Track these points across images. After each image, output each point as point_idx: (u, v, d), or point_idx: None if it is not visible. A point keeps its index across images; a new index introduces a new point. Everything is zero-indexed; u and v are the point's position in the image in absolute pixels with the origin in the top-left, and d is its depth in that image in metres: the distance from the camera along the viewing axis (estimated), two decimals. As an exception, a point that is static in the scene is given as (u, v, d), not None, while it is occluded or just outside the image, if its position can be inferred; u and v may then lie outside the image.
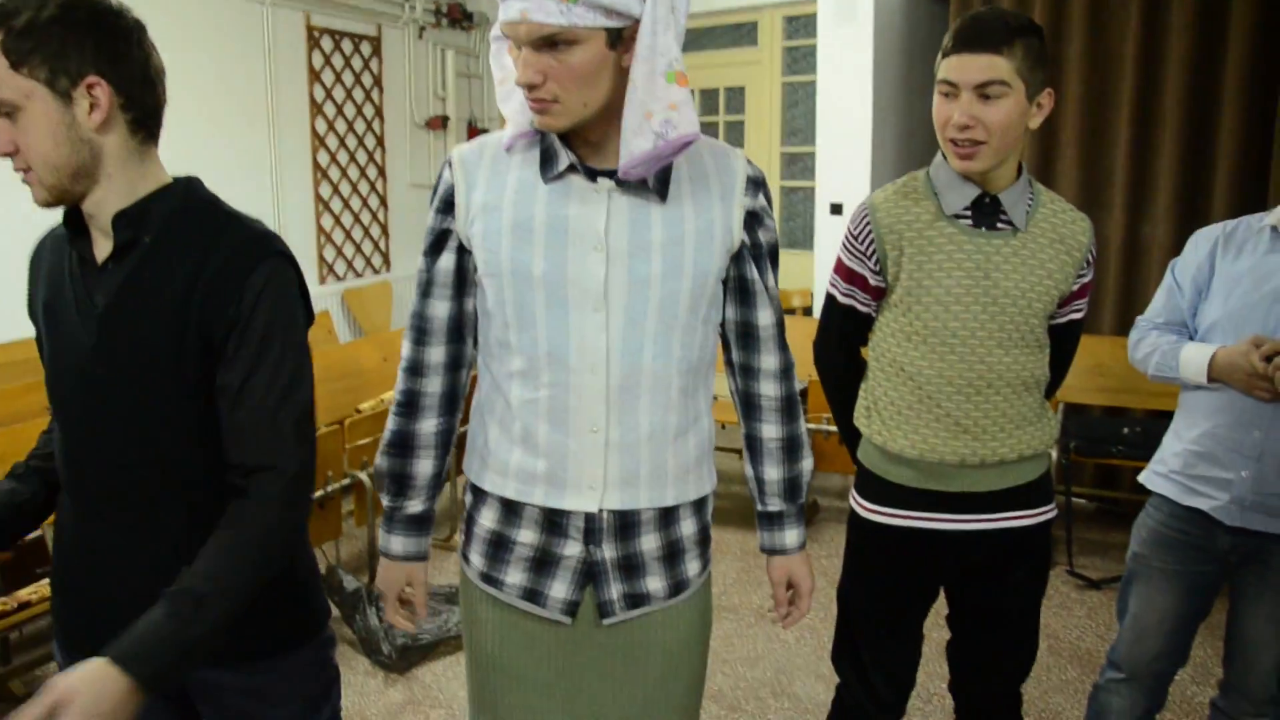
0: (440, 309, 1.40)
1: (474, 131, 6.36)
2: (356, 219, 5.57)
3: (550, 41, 1.21)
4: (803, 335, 4.08)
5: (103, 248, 1.28)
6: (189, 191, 1.30)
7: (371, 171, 5.67)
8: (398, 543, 1.44)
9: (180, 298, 1.24)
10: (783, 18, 5.41)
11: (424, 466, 1.43)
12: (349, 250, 5.51)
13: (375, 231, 5.71)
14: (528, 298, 1.32)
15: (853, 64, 4.57)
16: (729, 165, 1.39)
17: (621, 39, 1.24)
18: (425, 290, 1.40)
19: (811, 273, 4.98)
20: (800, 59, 5.45)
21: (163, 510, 1.26)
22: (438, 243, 1.39)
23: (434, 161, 6.14)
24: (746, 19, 5.52)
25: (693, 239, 1.34)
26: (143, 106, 1.25)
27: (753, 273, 1.42)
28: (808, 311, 5.00)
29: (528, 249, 1.31)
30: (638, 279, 1.31)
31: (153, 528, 1.26)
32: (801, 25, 5.39)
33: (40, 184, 1.22)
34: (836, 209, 4.63)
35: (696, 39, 5.68)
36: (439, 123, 5.98)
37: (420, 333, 1.42)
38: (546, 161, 1.32)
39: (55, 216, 1.33)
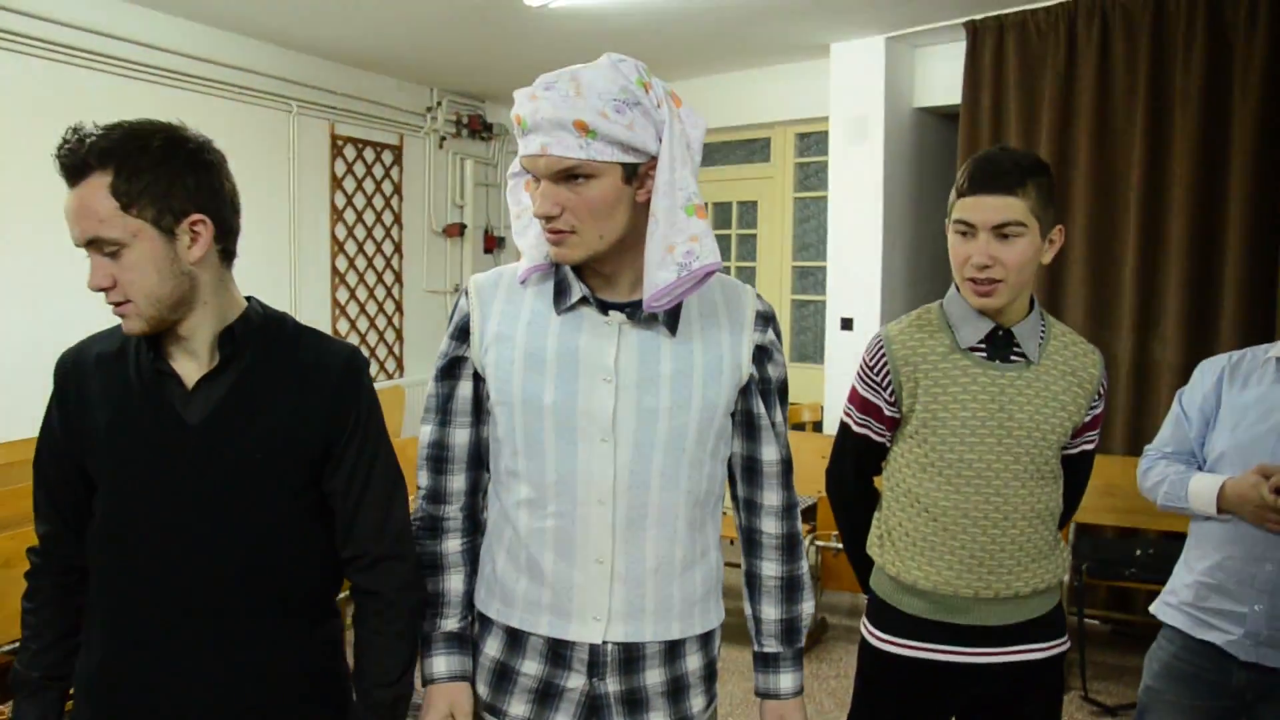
0: (461, 436, 1.42)
1: (491, 240, 6.40)
2: (372, 323, 5.62)
3: (569, 175, 1.24)
4: (812, 451, 4.12)
5: (188, 367, 1.33)
6: (263, 309, 1.39)
7: (388, 277, 5.72)
8: (440, 663, 1.41)
9: (291, 409, 1.32)
10: (795, 135, 5.44)
11: (454, 583, 1.43)
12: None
13: (390, 336, 5.76)
14: (537, 427, 1.33)
15: (863, 180, 4.58)
16: (739, 299, 1.42)
17: (637, 175, 1.27)
18: (444, 418, 1.41)
19: (822, 387, 4.97)
20: (812, 175, 5.47)
21: (257, 616, 1.30)
22: (451, 368, 1.40)
23: (450, 268, 6.19)
24: (759, 135, 5.55)
25: (701, 372, 1.36)
26: (231, 235, 1.34)
27: (760, 408, 1.42)
28: (818, 427, 4.94)
29: (539, 379, 1.33)
30: (646, 411, 1.32)
31: (246, 635, 1.30)
32: (814, 142, 5.41)
33: (139, 315, 1.27)
34: (847, 323, 4.66)
35: (710, 154, 5.69)
36: (456, 230, 6.06)
37: (440, 462, 1.43)
38: (560, 293, 1.35)
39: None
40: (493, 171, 6.54)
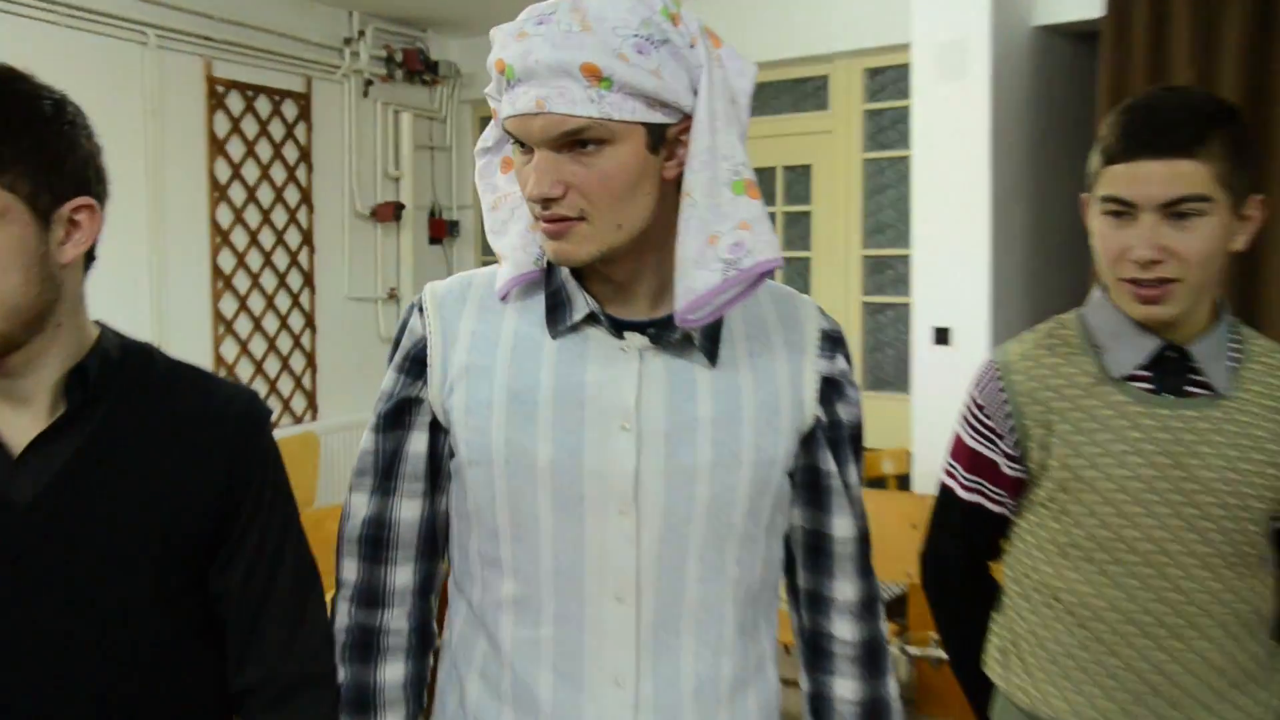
0: (410, 511, 1.45)
1: (439, 225, 6.56)
2: (272, 346, 5.65)
3: (575, 141, 1.28)
4: (897, 517, 4.02)
5: (16, 422, 1.30)
6: (120, 339, 1.38)
7: (294, 280, 5.77)
8: None
9: (164, 481, 1.33)
10: (864, 71, 5.48)
11: None
12: (259, 388, 5.62)
13: (297, 363, 5.81)
14: (528, 495, 1.37)
15: (962, 132, 4.60)
16: (796, 315, 1.47)
17: (665, 140, 1.31)
18: (386, 484, 1.45)
19: (907, 425, 4.92)
20: (888, 126, 5.49)
21: None
22: (397, 415, 1.44)
23: (382, 266, 6.26)
24: (813, 72, 5.61)
25: (753, 415, 1.40)
26: (95, 233, 1.33)
27: (829, 463, 1.47)
28: (904, 483, 4.93)
29: (529, 428, 1.36)
30: (680, 471, 1.36)
31: None
32: (889, 80, 5.43)
33: None
34: (942, 336, 4.73)
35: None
36: (390, 212, 6.13)
37: (378, 546, 1.45)
38: (556, 309, 1.40)
39: None
40: (440, 129, 6.57)
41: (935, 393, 4.65)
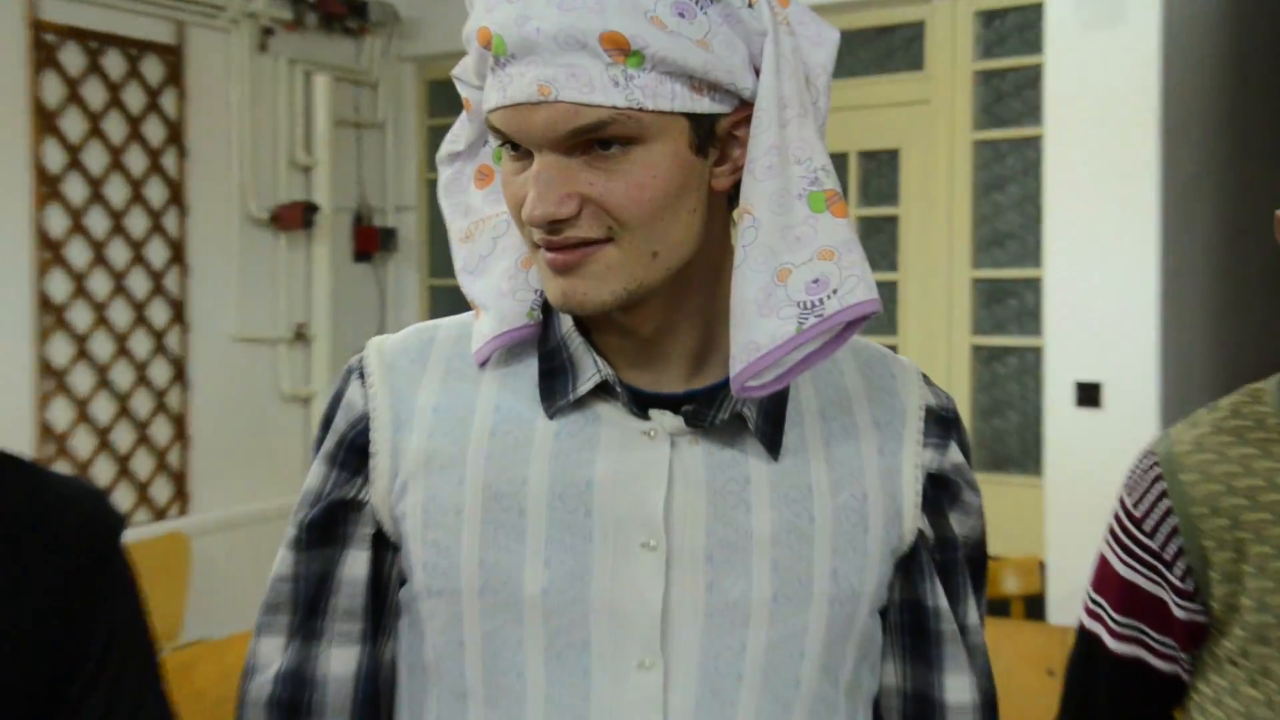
0: (340, 664, 1.50)
1: (367, 235, 6.65)
2: (124, 408, 5.67)
3: (592, 140, 1.34)
4: (1026, 659, 4.18)
5: None
6: None
7: (158, 313, 5.81)
8: None
9: None
10: (974, 15, 5.57)
11: None
12: (105, 471, 5.58)
13: (161, 432, 5.85)
14: (510, 640, 1.43)
15: (1120, 102, 4.67)
16: (890, 385, 1.56)
17: (715, 137, 1.39)
18: (304, 623, 1.51)
19: (1038, 524, 5.02)
20: (1009, 94, 5.54)
21: None
22: (327, 526, 1.51)
23: (288, 291, 6.31)
24: (904, 17, 5.71)
25: (829, 529, 1.47)
26: None
27: (937, 597, 1.53)
28: (1035, 607, 4.92)
29: (513, 545, 1.44)
30: (726, 608, 1.43)
31: None
32: (1012, 29, 5.51)
33: None
34: (1089, 395, 4.80)
35: None
36: (297, 216, 6.16)
37: (294, 712, 1.50)
38: (554, 376, 1.48)
39: None
40: (369, 98, 6.68)
41: (1078, 477, 4.70)
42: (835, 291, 1.35)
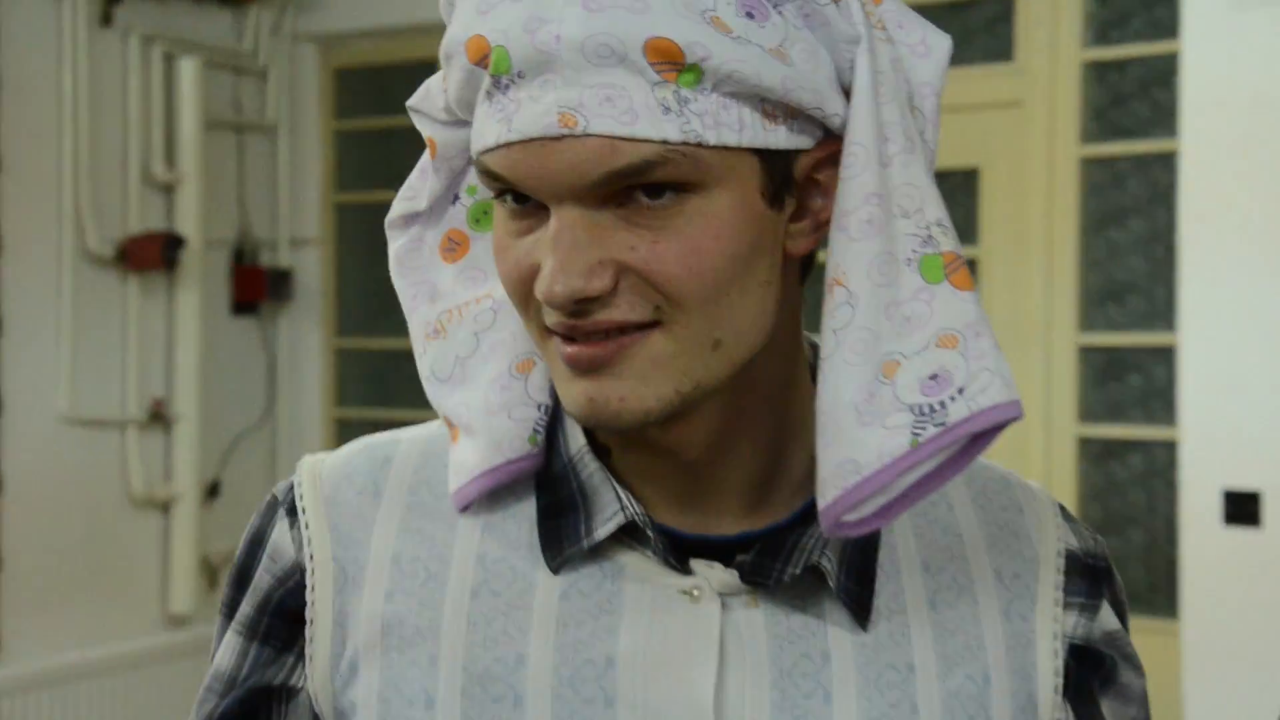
0: None
1: (252, 278, 6.74)
2: None
3: (634, 188, 1.34)
4: None
5: None
6: None
7: None
8: None
9: None
10: None
11: None
12: None
13: None
14: None
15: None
16: (1014, 520, 1.59)
17: (792, 183, 1.39)
18: None
19: (1173, 680, 5.04)
20: (1132, 95, 5.64)
21: None
22: (245, 715, 1.54)
23: (138, 360, 6.32)
24: None
25: None
26: None
27: None
28: None
29: None
30: None
31: None
32: (1138, 5, 5.61)
33: None
34: (1242, 508, 4.84)
35: None
36: (154, 251, 6.17)
37: None
38: (559, 515, 1.50)
39: None
40: (254, 90, 6.75)
41: (1228, 619, 4.82)
42: (962, 391, 1.34)
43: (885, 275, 1.35)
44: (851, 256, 1.35)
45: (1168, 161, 5.34)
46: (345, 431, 6.59)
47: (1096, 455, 5.63)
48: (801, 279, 1.44)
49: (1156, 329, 5.47)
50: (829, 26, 1.35)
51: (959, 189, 5.83)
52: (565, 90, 1.32)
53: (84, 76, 6.02)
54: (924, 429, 1.34)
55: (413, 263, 1.56)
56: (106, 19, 6.07)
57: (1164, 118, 5.42)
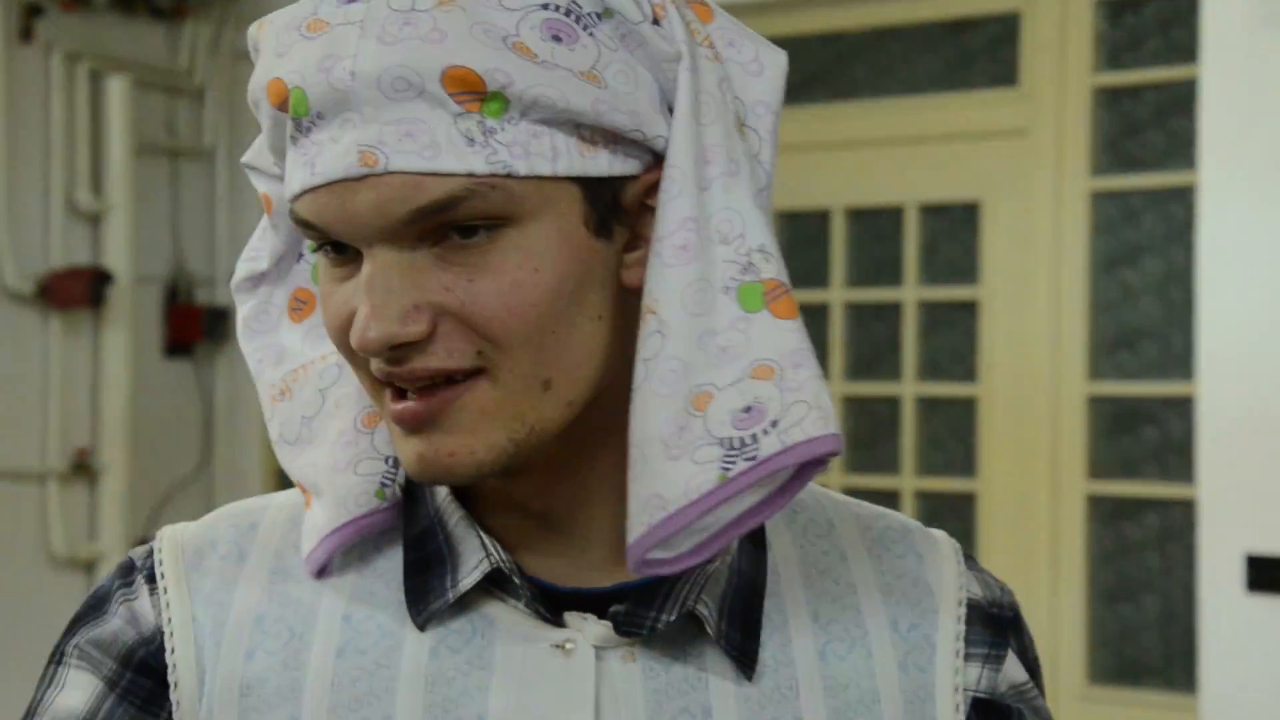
0: None
1: (185, 318, 6.70)
2: None
3: (444, 225, 1.37)
4: None
5: None
6: None
7: None
8: None
9: None
10: (1095, 3, 5.62)
11: None
12: None
13: None
14: None
15: None
16: (912, 568, 1.63)
17: (620, 212, 1.43)
18: None
19: None
20: (1145, 124, 5.58)
21: None
22: None
23: (60, 412, 6.31)
24: (988, 7, 5.82)
25: None
26: None
27: None
28: None
29: None
30: None
31: None
32: (1153, 24, 5.55)
33: None
34: (1265, 573, 4.84)
35: (839, 63, 6.14)
36: (80, 288, 6.12)
37: None
38: (424, 569, 1.53)
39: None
40: (190, 111, 6.72)
41: (1252, 696, 4.85)
42: (775, 424, 1.37)
43: (700, 304, 1.38)
44: (664, 284, 1.38)
45: (1185, 196, 5.35)
46: (287, 484, 6.21)
47: (1107, 515, 5.60)
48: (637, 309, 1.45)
49: (1173, 378, 5.44)
50: (646, 46, 1.38)
51: (958, 223, 5.86)
52: (364, 128, 1.33)
53: (1, 95, 5.98)
54: (734, 463, 1.36)
55: (260, 326, 1.57)
56: (26, 33, 6.04)
57: (1181, 148, 5.39)
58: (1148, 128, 5.54)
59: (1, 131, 5.96)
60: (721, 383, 1.38)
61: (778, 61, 1.46)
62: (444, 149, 1.33)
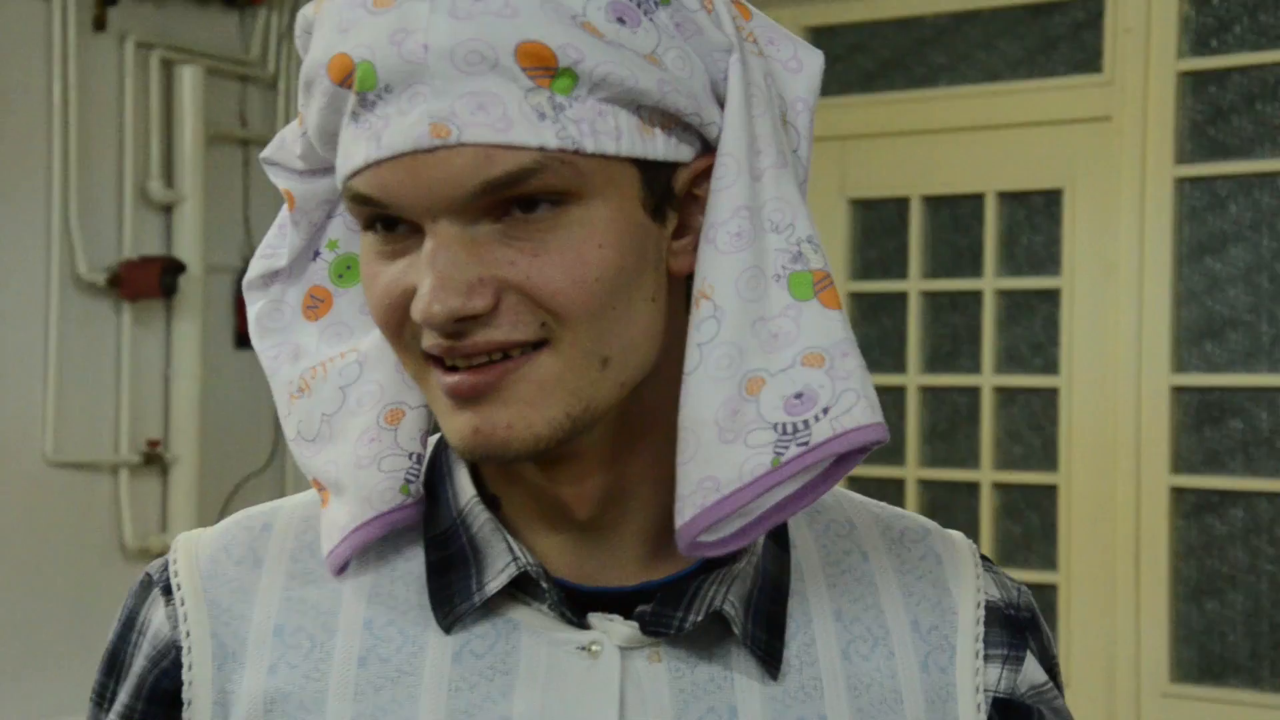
0: None
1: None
2: None
3: (509, 200, 1.37)
4: None
5: None
6: None
7: None
8: None
9: None
10: None
11: None
12: None
13: None
14: None
15: None
16: (931, 570, 1.65)
17: (672, 197, 1.46)
18: None
19: None
20: (1234, 110, 5.55)
21: None
22: None
23: (130, 398, 6.23)
24: None
25: None
26: None
27: None
28: None
29: None
30: None
31: None
32: (1240, 9, 5.53)
33: None
34: None
35: (919, 48, 6.15)
36: (151, 278, 6.07)
37: None
38: (448, 570, 1.53)
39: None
40: (262, 101, 6.66)
41: None
42: (826, 411, 1.39)
43: (753, 290, 1.40)
44: (719, 269, 1.40)
45: (1272, 183, 5.36)
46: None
47: (1192, 509, 5.57)
48: (686, 303, 1.47)
49: (1259, 369, 5.45)
50: (702, 35, 1.40)
51: (1040, 212, 5.85)
52: (435, 101, 1.34)
53: (74, 85, 5.87)
54: (786, 448, 1.38)
55: (274, 324, 1.58)
56: (100, 23, 5.93)
57: (1268, 134, 5.41)
58: (1234, 113, 5.51)
59: (74, 121, 5.86)
60: (774, 368, 1.41)
61: (815, 61, 1.49)
62: (516, 122, 1.33)
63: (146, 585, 1.55)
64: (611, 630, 1.48)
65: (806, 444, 1.39)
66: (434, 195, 1.35)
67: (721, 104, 1.43)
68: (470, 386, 1.37)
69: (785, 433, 1.39)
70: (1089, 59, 5.69)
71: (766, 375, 1.40)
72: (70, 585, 5.96)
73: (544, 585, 1.47)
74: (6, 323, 5.79)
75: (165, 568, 1.55)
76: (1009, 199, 5.83)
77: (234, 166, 6.42)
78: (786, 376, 1.40)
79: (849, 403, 1.40)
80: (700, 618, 1.46)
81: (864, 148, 6.05)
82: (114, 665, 1.56)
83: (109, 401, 6.09)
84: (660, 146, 1.40)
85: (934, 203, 6.10)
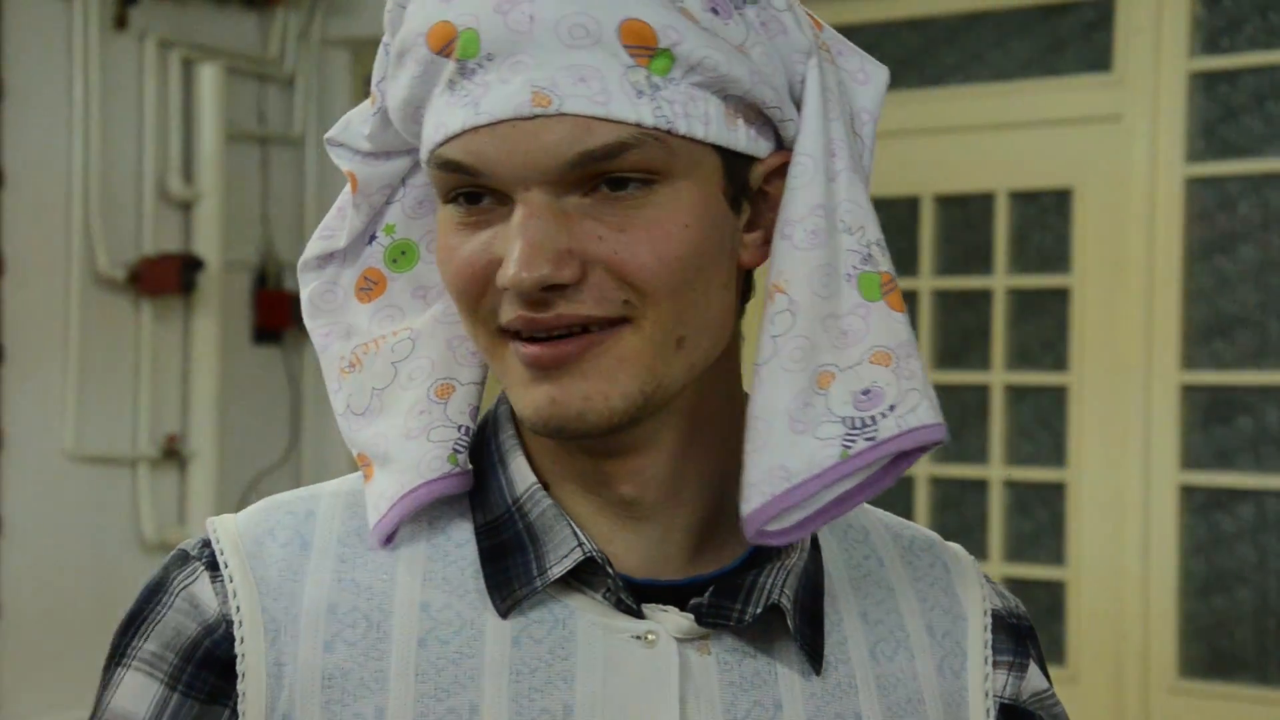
0: None
1: (274, 304, 6.72)
2: None
3: (599, 176, 1.40)
4: None
5: None
6: None
7: None
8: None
9: None
10: None
11: None
12: None
13: None
14: None
15: None
16: (941, 579, 1.68)
17: (747, 190, 1.49)
18: None
19: None
20: (1244, 109, 5.56)
21: None
22: None
23: (151, 393, 6.30)
24: None
25: None
26: None
27: None
28: None
29: None
30: None
31: None
32: (1251, 8, 5.51)
33: None
34: None
35: (930, 48, 6.11)
36: (171, 274, 6.14)
37: None
38: (505, 555, 1.53)
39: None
40: (280, 99, 6.73)
41: None
42: (893, 408, 1.42)
43: (826, 287, 1.42)
44: (795, 264, 1.42)
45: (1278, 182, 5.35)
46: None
47: (1201, 506, 5.56)
48: (742, 300, 1.50)
49: (1268, 367, 5.45)
50: (785, 35, 1.43)
51: (1050, 211, 5.84)
52: (537, 71, 1.36)
53: (95, 83, 5.94)
54: (854, 442, 1.41)
55: (326, 304, 1.59)
56: (120, 21, 5.99)
57: (1279, 134, 5.39)
58: (1244, 113, 5.50)
59: (95, 119, 5.91)
60: (843, 364, 1.43)
61: (881, 75, 1.52)
62: (615, 96, 1.36)
63: (183, 559, 1.53)
64: (667, 621, 1.49)
65: (873, 439, 1.42)
66: (529, 164, 1.37)
67: (798, 105, 1.46)
68: (551, 357, 1.39)
69: (854, 427, 1.42)
70: (1100, 58, 5.68)
71: (836, 370, 1.44)
72: (90, 578, 6.01)
73: (609, 572, 1.48)
74: (28, 319, 5.84)
75: (204, 544, 1.54)
76: (1020, 198, 5.83)
77: (252, 164, 6.48)
78: (855, 373, 1.43)
79: (914, 402, 1.43)
80: (760, 610, 1.48)
81: (875, 147, 5.88)
82: (136, 627, 1.54)
83: (128, 396, 6.16)
84: (743, 138, 1.43)
85: (945, 201, 6.10)
